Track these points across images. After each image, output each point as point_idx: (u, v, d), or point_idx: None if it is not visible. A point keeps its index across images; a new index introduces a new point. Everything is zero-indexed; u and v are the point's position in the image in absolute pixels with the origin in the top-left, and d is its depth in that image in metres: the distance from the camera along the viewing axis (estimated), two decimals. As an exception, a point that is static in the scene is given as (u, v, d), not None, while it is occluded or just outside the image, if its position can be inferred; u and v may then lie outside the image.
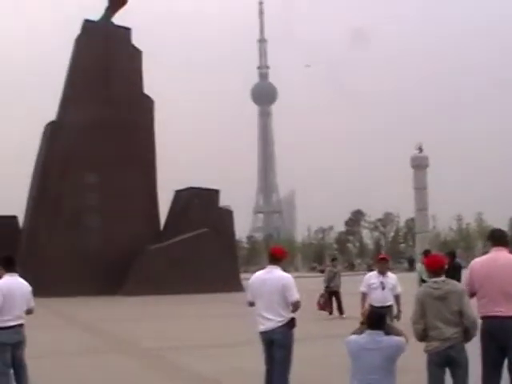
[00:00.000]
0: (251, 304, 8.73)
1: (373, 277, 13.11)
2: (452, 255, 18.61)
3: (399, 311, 13.32)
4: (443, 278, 7.40)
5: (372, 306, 11.90)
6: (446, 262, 7.67)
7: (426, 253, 19.16)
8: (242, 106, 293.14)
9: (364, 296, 13.14)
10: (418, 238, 79.87)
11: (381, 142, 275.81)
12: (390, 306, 12.57)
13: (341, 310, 22.70)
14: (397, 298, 13.21)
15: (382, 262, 13.43)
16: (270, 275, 8.46)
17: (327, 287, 23.64)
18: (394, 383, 6.95)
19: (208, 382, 11.41)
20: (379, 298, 12.64)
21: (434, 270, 7.44)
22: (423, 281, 16.76)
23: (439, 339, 7.15)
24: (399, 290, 13.37)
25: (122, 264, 43.62)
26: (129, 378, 11.82)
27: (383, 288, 12.86)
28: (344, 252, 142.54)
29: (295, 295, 8.32)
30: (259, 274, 8.75)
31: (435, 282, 7.31)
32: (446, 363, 7.23)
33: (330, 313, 22.96)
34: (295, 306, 8.36)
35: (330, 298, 23.34)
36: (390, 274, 13.30)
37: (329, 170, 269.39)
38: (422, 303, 7.27)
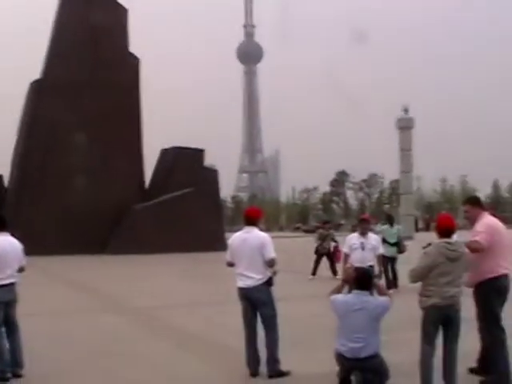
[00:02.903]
0: (230, 264, 8.96)
1: (354, 238, 13.48)
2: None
3: (380, 271, 14.00)
4: (455, 239, 7.52)
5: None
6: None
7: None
8: (227, 65, 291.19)
9: (346, 257, 13.41)
10: (402, 200, 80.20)
11: (367, 103, 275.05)
12: (370, 267, 12.52)
13: (334, 271, 22.85)
14: (378, 258, 13.64)
15: (362, 223, 13.77)
16: (249, 235, 8.70)
17: (318, 250, 23.84)
18: (379, 340, 7.33)
19: (194, 338, 11.73)
20: (359, 259, 12.93)
21: (449, 230, 7.47)
22: (384, 240, 17.32)
23: (442, 297, 7.27)
24: (381, 250, 13.90)
25: (108, 223, 43.92)
26: (118, 336, 12.11)
27: (363, 249, 13.23)
28: (328, 212, 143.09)
29: (272, 253, 8.56)
30: (238, 234, 8.93)
31: (449, 243, 7.36)
32: (443, 321, 7.39)
33: (313, 274, 22.98)
34: (270, 263, 8.56)
35: (319, 260, 23.45)
36: (371, 235, 13.65)
37: (314, 131, 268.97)
38: (432, 261, 7.28)
